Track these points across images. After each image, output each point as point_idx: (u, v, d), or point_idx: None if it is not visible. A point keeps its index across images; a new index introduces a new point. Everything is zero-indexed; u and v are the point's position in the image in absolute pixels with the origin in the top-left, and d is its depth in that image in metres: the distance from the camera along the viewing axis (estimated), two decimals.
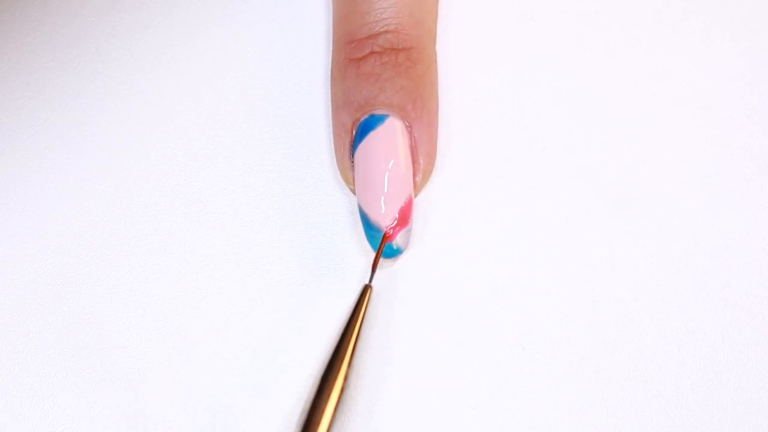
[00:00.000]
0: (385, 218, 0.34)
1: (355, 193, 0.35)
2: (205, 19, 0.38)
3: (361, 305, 0.33)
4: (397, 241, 0.34)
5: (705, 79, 0.37)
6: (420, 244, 0.36)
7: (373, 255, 0.35)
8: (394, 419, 0.34)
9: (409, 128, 0.35)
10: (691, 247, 0.36)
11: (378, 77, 0.34)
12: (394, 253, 0.35)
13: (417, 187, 0.35)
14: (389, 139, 0.34)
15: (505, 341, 0.35)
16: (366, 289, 0.34)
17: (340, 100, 0.35)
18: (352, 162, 0.35)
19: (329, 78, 0.36)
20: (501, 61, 0.38)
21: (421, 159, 0.35)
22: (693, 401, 0.34)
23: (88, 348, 0.35)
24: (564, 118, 0.37)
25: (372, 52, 0.35)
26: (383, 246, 0.34)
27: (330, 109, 0.36)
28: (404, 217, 0.34)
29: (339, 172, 0.36)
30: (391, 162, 0.34)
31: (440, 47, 0.37)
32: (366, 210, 0.34)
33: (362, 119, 0.34)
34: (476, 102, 0.37)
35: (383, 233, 0.34)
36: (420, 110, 0.35)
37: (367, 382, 0.35)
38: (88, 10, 0.38)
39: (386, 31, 0.35)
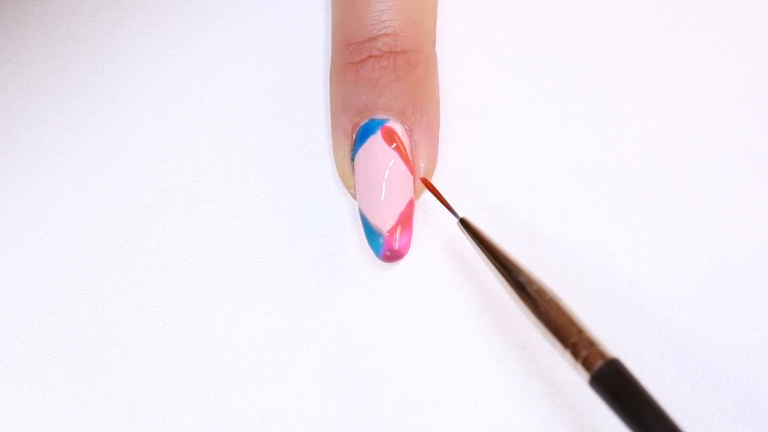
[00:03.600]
0: (385, 223, 0.34)
1: (355, 198, 0.35)
2: (205, 20, 0.38)
3: (478, 232, 0.33)
4: (399, 243, 0.34)
5: (706, 79, 0.37)
6: (421, 247, 0.36)
7: (375, 258, 0.34)
8: (392, 419, 0.34)
9: (409, 132, 0.35)
10: (691, 247, 0.36)
11: (377, 82, 0.34)
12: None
13: (417, 191, 0.35)
14: (389, 143, 0.34)
15: (505, 341, 0.35)
16: (464, 222, 0.34)
17: (339, 105, 0.35)
18: (353, 166, 0.35)
19: (328, 80, 0.36)
20: (501, 62, 0.38)
21: (422, 162, 0.35)
22: (693, 401, 0.34)
23: (88, 348, 0.35)
24: (564, 118, 0.37)
25: (370, 56, 0.35)
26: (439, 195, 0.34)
27: (329, 111, 0.36)
28: (406, 221, 0.34)
29: (339, 177, 0.36)
30: (391, 166, 0.34)
31: (440, 48, 0.37)
32: (367, 215, 0.34)
33: (362, 123, 0.34)
34: (477, 102, 0.37)
35: (384, 236, 0.34)
36: (419, 114, 0.35)
37: (366, 382, 0.35)
38: (88, 10, 0.38)
39: (384, 35, 0.35)
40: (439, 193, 0.34)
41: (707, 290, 0.35)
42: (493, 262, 0.32)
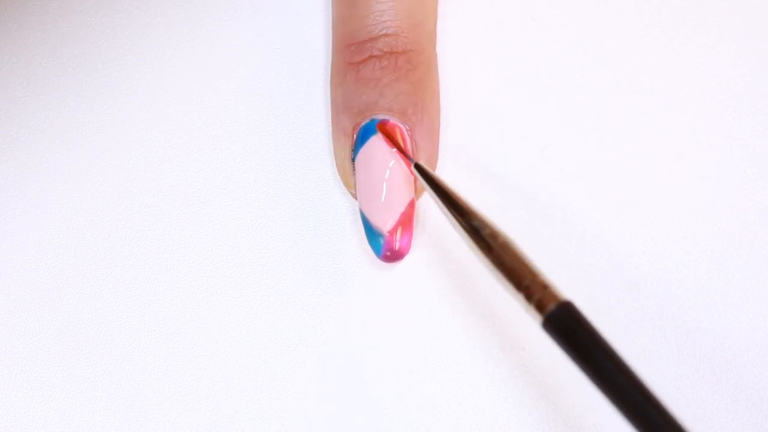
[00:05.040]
0: (386, 223, 0.34)
1: (356, 198, 0.35)
2: (205, 20, 0.38)
3: (432, 177, 0.33)
4: (400, 243, 0.34)
5: (706, 79, 0.37)
6: (421, 247, 0.36)
7: (375, 258, 0.34)
8: (392, 419, 0.34)
9: (410, 132, 0.35)
10: (691, 247, 0.36)
11: (377, 82, 0.34)
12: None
13: (418, 192, 0.35)
14: (390, 144, 0.34)
15: (506, 341, 0.35)
16: (417, 167, 0.33)
17: (340, 105, 0.35)
18: (353, 166, 0.35)
19: (329, 80, 0.36)
20: (501, 62, 0.38)
21: (422, 162, 0.35)
22: (693, 401, 0.34)
23: (88, 348, 0.35)
24: (564, 118, 0.37)
25: (371, 56, 0.35)
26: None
27: (329, 111, 0.36)
28: (407, 221, 0.34)
29: (339, 177, 0.36)
30: (392, 167, 0.34)
31: (440, 48, 0.37)
32: (367, 215, 0.34)
33: (363, 124, 0.34)
34: (477, 102, 0.37)
35: (385, 237, 0.34)
36: (420, 114, 0.35)
37: (366, 382, 0.35)
38: (88, 10, 0.38)
39: (385, 35, 0.35)
40: (396, 139, 0.34)
41: (707, 290, 0.35)
42: (447, 207, 0.32)
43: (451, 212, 0.32)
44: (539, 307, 0.29)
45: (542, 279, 0.30)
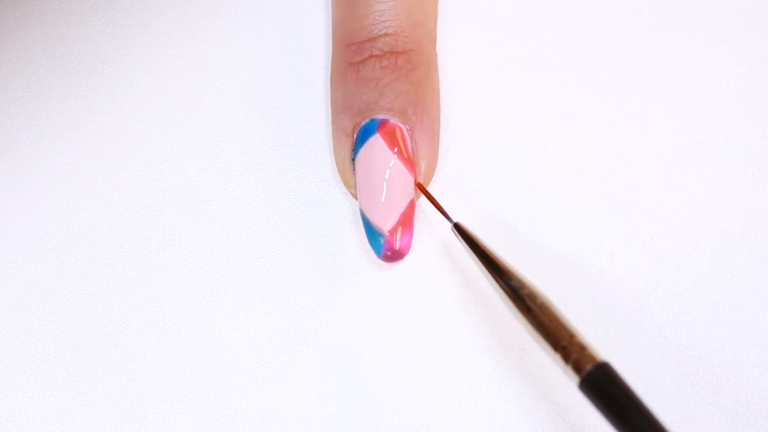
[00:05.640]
0: (386, 223, 0.34)
1: (356, 198, 0.35)
2: (205, 20, 0.38)
3: (471, 237, 0.33)
4: (400, 243, 0.34)
5: (706, 79, 0.37)
6: (421, 247, 0.36)
7: (375, 258, 0.34)
8: (392, 419, 0.34)
9: (410, 132, 0.35)
10: (691, 247, 0.36)
11: (378, 82, 0.34)
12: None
13: (418, 191, 0.35)
14: (390, 143, 0.34)
15: (506, 342, 0.35)
16: (457, 227, 0.34)
17: (340, 105, 0.35)
18: (353, 166, 0.35)
19: (329, 80, 0.36)
20: (501, 62, 0.38)
21: (422, 162, 0.35)
22: (693, 401, 0.34)
23: (88, 348, 0.35)
24: (564, 118, 0.37)
25: (371, 56, 0.35)
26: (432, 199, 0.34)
27: (329, 111, 0.36)
28: (407, 221, 0.34)
29: (339, 177, 0.36)
30: (392, 167, 0.34)
31: (440, 48, 0.37)
32: (368, 215, 0.34)
33: (363, 123, 0.34)
34: (477, 102, 0.37)
35: (385, 236, 0.34)
36: (420, 114, 0.35)
37: (366, 382, 0.35)
38: (88, 10, 0.38)
39: (385, 35, 0.35)
40: (434, 198, 0.34)
41: (707, 290, 0.35)
42: (485, 266, 0.32)
43: (490, 271, 0.32)
44: (576, 367, 0.30)
45: (580, 340, 0.30)
